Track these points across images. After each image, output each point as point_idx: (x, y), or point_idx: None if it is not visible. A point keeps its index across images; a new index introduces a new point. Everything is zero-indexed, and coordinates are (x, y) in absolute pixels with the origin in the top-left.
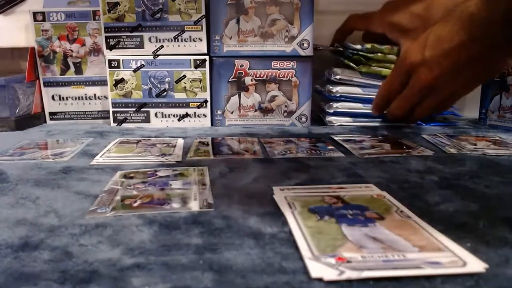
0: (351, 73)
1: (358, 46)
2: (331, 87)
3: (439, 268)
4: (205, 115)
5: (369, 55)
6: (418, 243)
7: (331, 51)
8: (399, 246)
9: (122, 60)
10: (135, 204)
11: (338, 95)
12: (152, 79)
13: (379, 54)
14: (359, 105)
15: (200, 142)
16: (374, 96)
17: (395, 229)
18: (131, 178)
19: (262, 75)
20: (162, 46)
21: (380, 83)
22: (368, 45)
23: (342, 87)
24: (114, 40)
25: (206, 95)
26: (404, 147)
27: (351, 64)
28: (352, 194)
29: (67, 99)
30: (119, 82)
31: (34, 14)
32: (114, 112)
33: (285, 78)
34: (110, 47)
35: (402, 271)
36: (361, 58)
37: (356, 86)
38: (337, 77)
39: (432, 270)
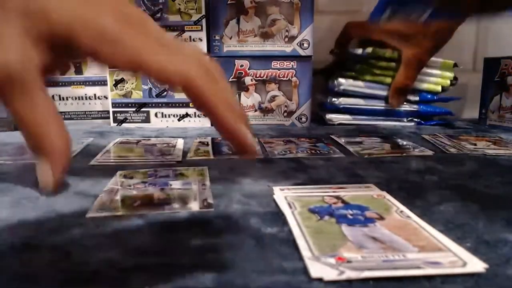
0: (355, 83)
1: (360, 51)
2: (334, 99)
3: (439, 268)
4: (205, 115)
5: (372, 61)
6: (418, 243)
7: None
8: (399, 246)
9: None
10: (135, 204)
11: (341, 106)
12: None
13: (383, 62)
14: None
15: (200, 142)
16: (376, 107)
17: (395, 229)
18: (131, 178)
19: (262, 75)
20: None
21: (383, 93)
22: (369, 49)
23: (344, 98)
24: None
25: None
26: (404, 147)
27: (355, 74)
28: (352, 194)
29: (67, 99)
30: (119, 82)
31: None
32: (114, 112)
33: (285, 78)
34: None
35: (402, 271)
36: (364, 66)
37: (359, 97)
38: (342, 87)
39: (432, 270)
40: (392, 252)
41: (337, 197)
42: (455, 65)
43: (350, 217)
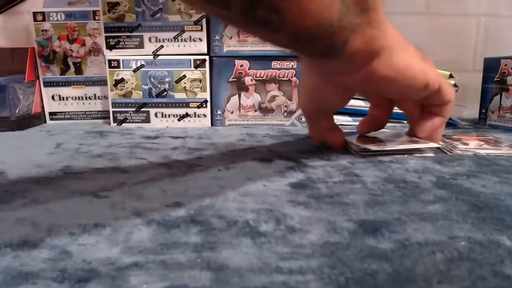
0: None
1: None
2: None
3: None
4: (205, 115)
5: None
6: None
7: None
8: None
9: (122, 60)
10: None
11: None
12: (152, 79)
13: None
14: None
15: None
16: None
17: None
18: None
19: (262, 75)
20: (162, 46)
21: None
22: None
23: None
24: (114, 40)
25: (206, 95)
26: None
27: None
28: None
29: (67, 99)
30: (119, 82)
31: (34, 14)
32: (114, 112)
33: (285, 78)
34: (110, 47)
35: None
36: None
37: (360, 99)
38: None
39: None
40: None
41: None
42: (451, 76)
43: None
